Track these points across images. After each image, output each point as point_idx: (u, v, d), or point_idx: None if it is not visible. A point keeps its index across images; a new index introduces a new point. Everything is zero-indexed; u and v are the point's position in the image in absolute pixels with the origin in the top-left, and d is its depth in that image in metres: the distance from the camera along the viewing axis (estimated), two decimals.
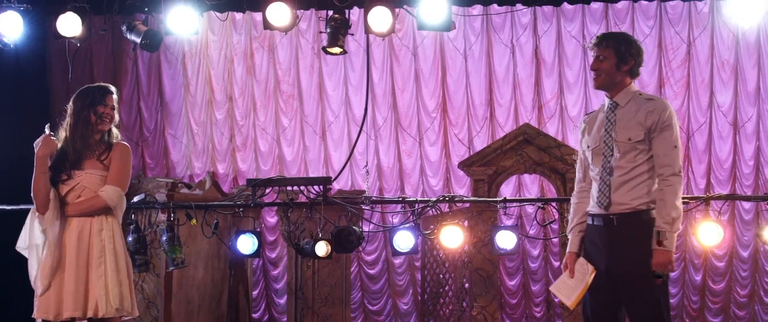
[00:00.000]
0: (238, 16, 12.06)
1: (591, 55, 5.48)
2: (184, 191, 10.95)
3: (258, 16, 12.32)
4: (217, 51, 12.51)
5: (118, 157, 5.70)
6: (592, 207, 5.36)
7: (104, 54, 12.35)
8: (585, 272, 5.28)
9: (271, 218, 12.16)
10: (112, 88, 5.79)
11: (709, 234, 8.82)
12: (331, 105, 12.55)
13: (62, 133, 5.69)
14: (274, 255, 12.27)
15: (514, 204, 10.72)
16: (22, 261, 5.75)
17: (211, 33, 12.36)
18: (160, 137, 12.57)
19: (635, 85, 5.46)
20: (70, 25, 8.78)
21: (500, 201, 9.44)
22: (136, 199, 9.75)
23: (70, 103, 5.70)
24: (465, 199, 9.78)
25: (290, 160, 12.47)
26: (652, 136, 5.19)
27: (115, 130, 5.85)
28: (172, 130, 12.55)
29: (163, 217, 10.70)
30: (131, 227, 9.43)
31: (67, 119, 5.68)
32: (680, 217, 5.11)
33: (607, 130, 5.32)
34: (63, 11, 8.81)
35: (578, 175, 5.62)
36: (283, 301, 12.01)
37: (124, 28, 8.87)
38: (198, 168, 12.40)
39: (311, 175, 12.15)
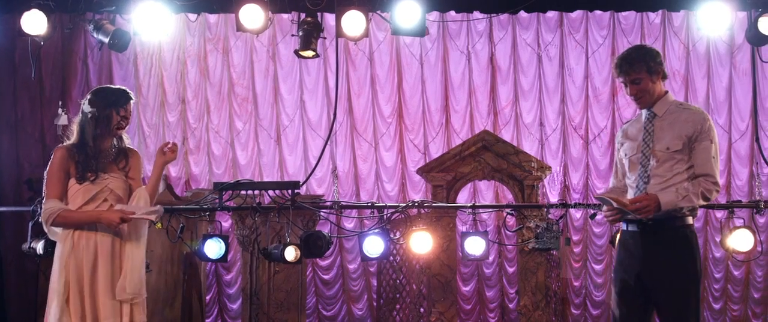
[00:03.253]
0: (192, 17, 11.89)
1: (619, 82, 5.57)
2: None
3: (213, 17, 12.22)
4: (170, 52, 12.31)
5: (140, 165, 5.60)
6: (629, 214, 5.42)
7: (53, 53, 12.04)
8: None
9: (225, 222, 12.00)
10: (133, 95, 5.67)
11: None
12: (285, 109, 12.45)
13: (75, 129, 5.50)
14: (227, 260, 12.09)
15: (487, 210, 10.73)
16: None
17: (164, 34, 12.14)
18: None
19: (672, 96, 5.56)
20: (35, 23, 8.56)
21: (469, 207, 9.50)
22: None
23: (86, 102, 5.50)
24: (434, 205, 9.80)
25: (244, 163, 12.34)
26: (692, 145, 5.28)
27: (126, 136, 5.71)
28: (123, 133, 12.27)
29: None
30: None
31: (83, 117, 5.47)
32: (688, 202, 5.17)
33: (645, 140, 5.39)
34: (27, 9, 8.58)
35: (612, 180, 5.79)
36: (236, 306, 11.87)
37: (90, 27, 8.68)
38: (150, 171, 12.15)
39: (266, 179, 12.04)
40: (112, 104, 5.48)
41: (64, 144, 5.56)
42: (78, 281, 5.33)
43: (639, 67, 5.45)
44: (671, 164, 5.30)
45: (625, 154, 5.57)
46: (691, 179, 5.28)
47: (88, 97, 5.55)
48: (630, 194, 5.48)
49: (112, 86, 5.70)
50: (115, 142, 5.57)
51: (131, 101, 5.59)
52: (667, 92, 5.55)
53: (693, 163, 5.28)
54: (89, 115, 5.47)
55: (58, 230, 5.43)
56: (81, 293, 5.32)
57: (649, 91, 5.45)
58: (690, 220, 5.31)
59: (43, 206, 5.43)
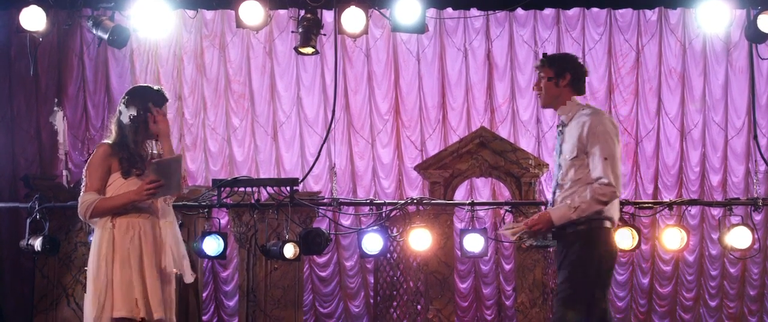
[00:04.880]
0: (190, 13, 11.85)
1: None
2: None
3: (209, 14, 12.18)
4: (166, 49, 12.25)
5: None
6: None
7: (49, 49, 11.99)
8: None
9: (222, 219, 11.97)
10: (169, 96, 5.63)
11: (673, 239, 9.03)
12: (282, 105, 12.42)
13: (113, 129, 5.44)
14: (225, 257, 12.07)
15: (484, 207, 10.75)
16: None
17: (162, 30, 12.09)
18: (106, 136, 12.22)
19: (578, 101, 5.50)
20: (34, 18, 8.52)
21: (468, 204, 9.50)
22: None
23: (123, 102, 5.43)
24: (434, 202, 9.80)
25: (241, 160, 12.31)
26: (587, 150, 5.29)
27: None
28: None
29: None
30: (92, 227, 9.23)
31: (121, 117, 5.40)
32: (580, 212, 5.19)
33: (556, 149, 5.54)
34: (26, 4, 8.54)
35: None
36: (232, 303, 11.85)
37: (89, 23, 8.65)
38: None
39: (262, 176, 12.01)
40: (154, 104, 5.41)
41: (106, 141, 5.47)
42: (123, 263, 5.27)
43: (548, 65, 5.49)
44: (573, 171, 5.33)
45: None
46: (585, 188, 5.30)
47: (126, 97, 5.45)
48: (550, 199, 5.59)
49: (150, 86, 5.60)
50: (153, 144, 5.50)
51: (167, 101, 5.53)
52: (575, 100, 5.48)
53: (590, 167, 5.28)
54: (129, 116, 5.38)
55: (97, 219, 5.37)
56: (129, 277, 5.25)
57: (547, 91, 5.45)
58: (597, 222, 5.31)
59: (80, 199, 5.34)
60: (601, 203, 5.19)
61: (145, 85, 5.73)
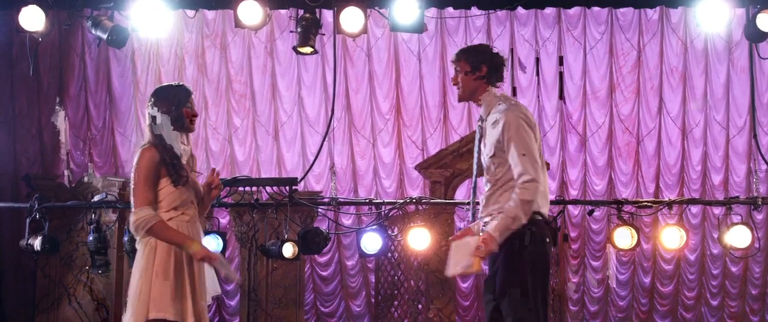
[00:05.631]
0: (190, 13, 11.86)
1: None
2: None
3: (210, 14, 12.20)
4: (167, 48, 12.27)
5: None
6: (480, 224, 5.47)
7: (50, 49, 12.01)
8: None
9: (222, 219, 11.99)
10: (191, 89, 5.50)
11: (672, 238, 9.03)
12: (283, 105, 12.43)
13: (147, 133, 5.32)
14: (225, 256, 12.09)
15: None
16: None
17: (162, 30, 12.13)
18: (108, 136, 12.30)
19: (496, 94, 5.37)
20: (33, 19, 8.55)
21: (467, 203, 9.49)
22: (96, 198, 9.58)
23: (152, 105, 5.32)
24: (432, 201, 9.80)
25: (242, 160, 12.32)
26: (505, 146, 5.19)
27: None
28: (120, 129, 12.29)
29: (113, 217, 10.54)
30: (92, 226, 9.27)
31: (152, 120, 5.28)
32: (518, 222, 5.07)
33: (478, 146, 5.44)
34: (25, 4, 8.57)
35: None
36: (234, 302, 11.86)
37: (88, 23, 8.67)
38: None
39: (263, 175, 12.02)
40: (180, 104, 5.32)
41: (145, 144, 5.30)
42: (165, 275, 5.21)
43: (463, 58, 5.37)
44: (494, 169, 5.25)
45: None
46: (510, 185, 5.21)
47: (153, 99, 5.33)
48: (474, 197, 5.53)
49: (171, 84, 5.47)
50: (185, 141, 5.42)
51: (192, 95, 5.42)
52: (492, 92, 5.36)
53: (510, 164, 5.20)
54: (165, 117, 5.31)
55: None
56: (170, 288, 5.20)
57: (464, 84, 5.36)
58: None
59: (134, 213, 5.16)
60: (528, 202, 5.09)
61: (167, 84, 5.54)
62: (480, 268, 5.14)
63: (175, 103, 5.29)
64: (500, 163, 5.20)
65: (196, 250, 5.12)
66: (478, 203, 5.49)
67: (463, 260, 5.22)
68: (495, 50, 5.48)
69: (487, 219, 5.28)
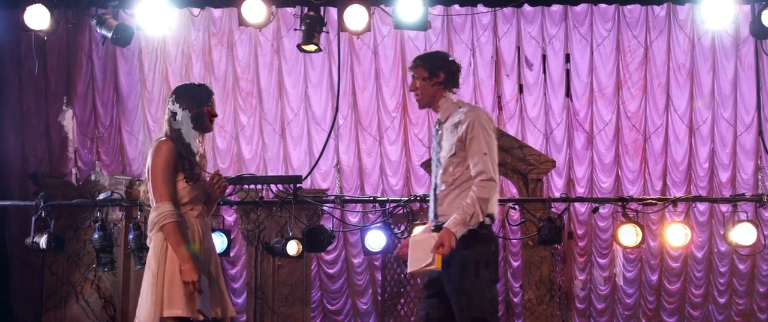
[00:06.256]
0: (196, 11, 11.89)
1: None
2: (143, 188, 10.77)
3: (217, 12, 12.24)
4: (174, 47, 12.31)
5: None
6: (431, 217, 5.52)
7: (58, 48, 12.07)
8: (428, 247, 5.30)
9: (229, 217, 12.02)
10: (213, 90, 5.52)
11: (676, 235, 9.01)
12: (290, 103, 12.45)
13: (166, 129, 5.32)
14: (232, 254, 12.10)
15: None
16: None
17: (168, 28, 12.15)
18: (115, 134, 12.34)
19: (454, 99, 5.47)
20: (38, 17, 8.57)
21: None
22: (102, 196, 9.60)
23: (173, 102, 5.32)
24: None
25: (249, 158, 12.35)
26: (466, 146, 5.27)
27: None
28: (128, 127, 12.33)
29: (119, 215, 10.57)
30: (97, 225, 9.29)
31: (174, 116, 5.34)
32: (476, 218, 5.15)
33: (434, 148, 5.51)
34: (30, 3, 8.59)
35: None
36: (241, 300, 11.87)
37: (93, 22, 8.69)
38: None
39: (270, 173, 12.04)
40: (201, 103, 5.33)
41: (166, 137, 5.30)
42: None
43: (421, 65, 5.46)
44: (452, 169, 5.32)
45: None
46: (469, 185, 5.27)
47: (174, 96, 5.34)
48: (431, 198, 5.54)
49: (193, 83, 5.50)
50: (200, 141, 5.43)
51: (213, 95, 5.45)
52: (449, 96, 5.46)
53: (470, 165, 5.27)
54: (186, 114, 5.30)
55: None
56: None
57: (424, 91, 5.44)
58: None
59: (156, 209, 5.18)
60: (486, 200, 5.18)
61: (189, 83, 5.56)
62: (440, 265, 5.15)
63: (197, 102, 5.32)
64: (459, 162, 5.30)
65: (185, 269, 5.11)
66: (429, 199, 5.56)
67: (422, 257, 5.27)
68: (451, 58, 5.60)
69: (442, 220, 5.31)
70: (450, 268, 5.23)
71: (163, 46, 12.29)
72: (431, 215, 5.44)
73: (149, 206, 5.30)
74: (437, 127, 5.48)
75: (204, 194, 5.40)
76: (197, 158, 5.35)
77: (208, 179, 5.46)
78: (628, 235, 8.94)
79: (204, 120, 5.34)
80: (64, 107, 12.05)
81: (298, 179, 9.04)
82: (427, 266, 5.21)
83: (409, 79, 5.58)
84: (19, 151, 11.91)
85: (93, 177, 11.26)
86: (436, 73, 5.42)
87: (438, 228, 5.32)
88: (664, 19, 12.30)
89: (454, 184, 5.30)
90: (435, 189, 5.43)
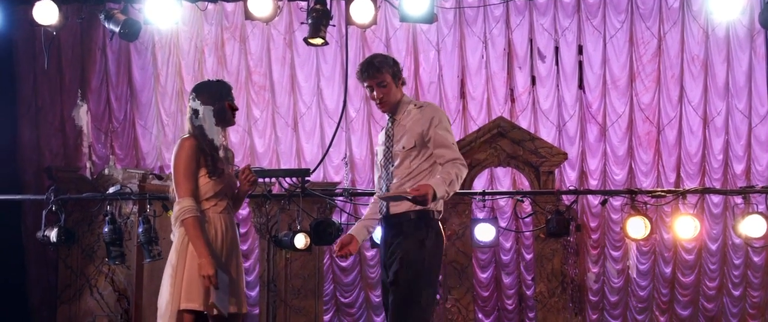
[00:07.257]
0: (210, 6, 11.93)
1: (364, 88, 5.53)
2: (156, 182, 10.85)
3: (229, 6, 12.26)
4: (187, 41, 12.37)
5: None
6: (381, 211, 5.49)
7: (72, 43, 12.15)
8: None
9: (242, 210, 12.07)
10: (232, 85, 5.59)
11: (685, 227, 8.97)
12: (303, 96, 12.48)
13: (188, 126, 5.35)
14: (245, 247, 12.16)
15: (495, 197, 10.74)
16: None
17: (181, 23, 12.20)
18: (129, 128, 12.42)
19: (408, 98, 5.51)
20: (46, 12, 8.62)
21: (479, 194, 9.50)
22: (111, 190, 9.66)
23: (194, 99, 5.35)
24: None
25: (262, 151, 12.40)
26: (427, 139, 5.29)
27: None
28: (142, 121, 12.41)
29: (132, 208, 10.63)
30: (107, 218, 9.35)
31: (194, 113, 5.33)
32: (452, 187, 5.13)
33: (386, 144, 5.46)
34: None
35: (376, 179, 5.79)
36: (254, 293, 11.93)
37: (101, 16, 8.73)
38: (168, 159, 12.24)
39: (283, 166, 12.08)
40: (222, 98, 5.38)
41: (189, 135, 5.35)
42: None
43: (385, 71, 5.43)
44: (409, 162, 5.30)
45: (377, 158, 5.62)
46: (425, 174, 5.27)
47: (194, 93, 5.38)
48: (378, 193, 5.51)
49: (212, 80, 5.58)
50: (223, 136, 5.49)
51: (233, 89, 5.51)
52: (404, 95, 5.49)
53: (436, 153, 5.28)
54: (208, 110, 5.34)
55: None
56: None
57: (392, 95, 5.43)
58: (427, 213, 5.27)
59: (178, 203, 5.24)
60: (461, 178, 5.22)
61: (207, 80, 5.65)
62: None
63: (218, 97, 5.36)
64: (417, 155, 5.30)
65: (202, 264, 5.15)
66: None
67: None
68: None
69: (394, 211, 5.29)
70: (394, 259, 5.26)
71: (176, 40, 12.35)
72: (383, 208, 5.38)
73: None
74: (390, 124, 5.47)
75: (230, 189, 5.43)
76: (222, 153, 5.39)
77: (235, 172, 5.51)
78: (637, 227, 8.90)
79: (226, 114, 5.39)
80: (78, 102, 12.14)
81: (306, 172, 9.05)
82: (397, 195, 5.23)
83: (365, 91, 5.59)
84: (35, 145, 11.99)
85: (107, 171, 11.35)
86: (398, 76, 5.46)
87: (387, 220, 5.35)
88: (678, 10, 12.23)
89: (409, 176, 5.29)
90: (387, 182, 5.38)
